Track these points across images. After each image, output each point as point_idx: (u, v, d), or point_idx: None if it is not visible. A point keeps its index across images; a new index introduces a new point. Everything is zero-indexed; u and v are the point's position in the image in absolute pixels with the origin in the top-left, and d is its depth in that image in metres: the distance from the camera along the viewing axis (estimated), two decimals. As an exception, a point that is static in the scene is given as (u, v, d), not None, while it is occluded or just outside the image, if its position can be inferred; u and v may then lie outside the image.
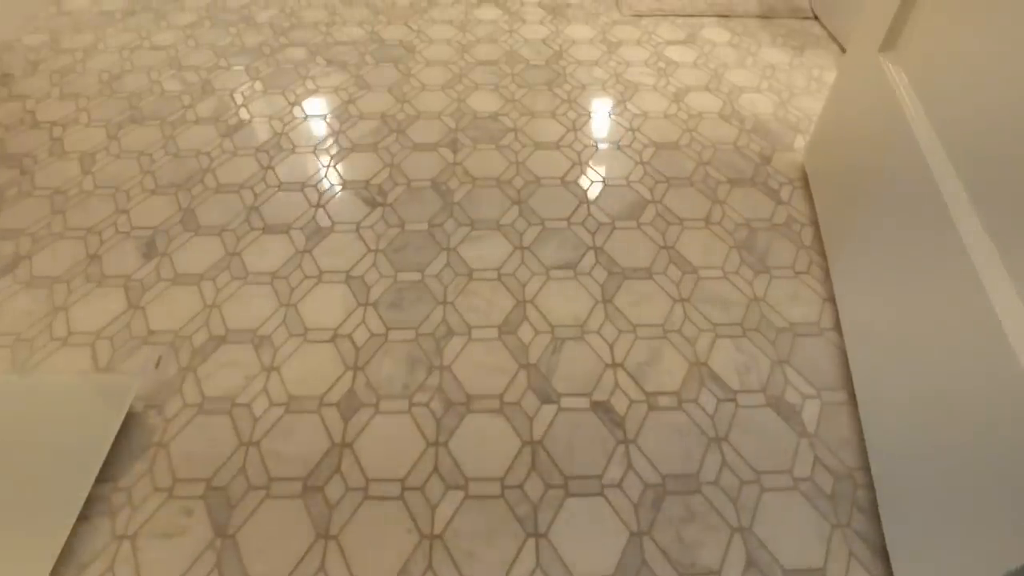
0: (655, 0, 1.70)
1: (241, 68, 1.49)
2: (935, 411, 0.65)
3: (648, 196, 1.14)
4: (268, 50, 1.56)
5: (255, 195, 1.15)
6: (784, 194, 1.15)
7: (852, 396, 0.86)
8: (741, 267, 1.02)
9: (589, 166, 1.20)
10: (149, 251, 1.06)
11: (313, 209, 1.12)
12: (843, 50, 1.58)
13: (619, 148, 1.24)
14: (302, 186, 1.17)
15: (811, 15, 1.71)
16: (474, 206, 1.12)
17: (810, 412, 0.84)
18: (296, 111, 1.35)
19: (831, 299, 0.98)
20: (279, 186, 1.17)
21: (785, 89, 1.43)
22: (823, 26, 1.68)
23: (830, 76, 1.47)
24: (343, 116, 1.33)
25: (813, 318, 0.95)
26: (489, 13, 1.70)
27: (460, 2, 1.75)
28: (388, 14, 1.70)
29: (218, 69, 1.49)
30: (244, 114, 1.35)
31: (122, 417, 0.81)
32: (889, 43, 0.93)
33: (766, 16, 1.71)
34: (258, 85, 1.43)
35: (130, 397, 0.83)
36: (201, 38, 1.61)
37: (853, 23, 1.54)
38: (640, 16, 1.69)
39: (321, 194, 1.15)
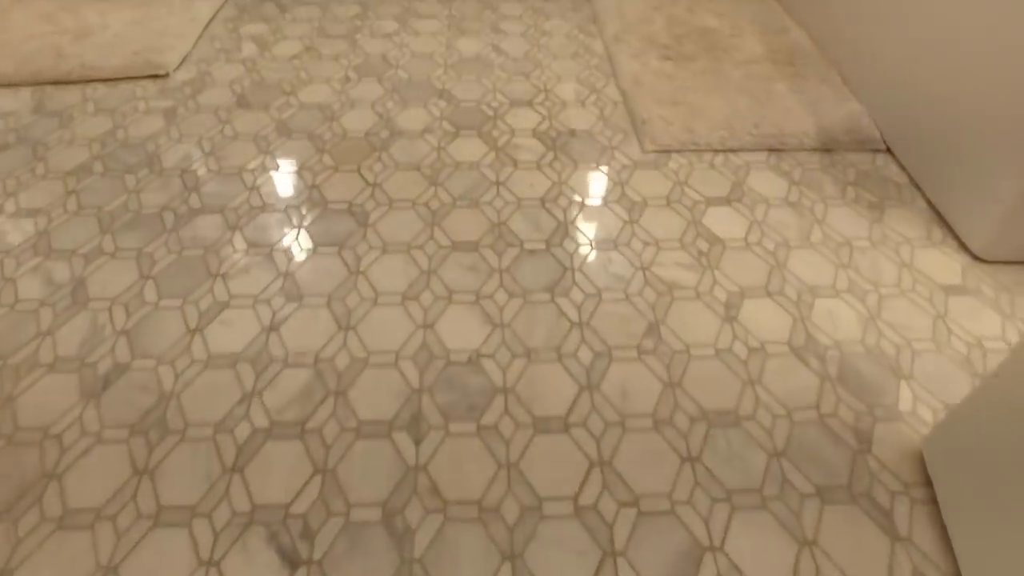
0: (685, 130, 1.31)
1: (131, 254, 1.09)
2: None
3: (704, 538, 0.76)
4: (171, 220, 1.16)
5: (117, 537, 0.76)
6: (899, 518, 0.78)
7: None
8: None
9: (614, 469, 0.82)
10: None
11: (203, 571, 0.74)
12: (932, 206, 1.20)
13: (656, 426, 0.87)
14: (191, 515, 0.78)
15: (883, 147, 1.33)
16: (445, 563, 0.74)
17: None
18: (196, 347, 0.96)
19: None
20: (155, 517, 0.78)
21: (871, 287, 1.05)
22: (900, 165, 1.30)
23: (924, 260, 1.10)
24: (261, 361, 0.94)
25: None
26: (469, 150, 1.30)
27: (432, 131, 1.35)
28: (335, 152, 1.30)
29: (100, 256, 1.09)
30: (122, 352, 0.95)
31: None
32: None
33: (827, 149, 1.33)
34: (149, 290, 1.04)
35: None
36: (86, 195, 1.21)
37: (939, 161, 1.16)
38: (667, 152, 1.30)
39: (217, 535, 0.77)
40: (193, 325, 0.99)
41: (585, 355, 0.95)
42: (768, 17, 1.70)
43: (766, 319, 1.00)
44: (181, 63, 1.56)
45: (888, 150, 1.33)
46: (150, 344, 0.96)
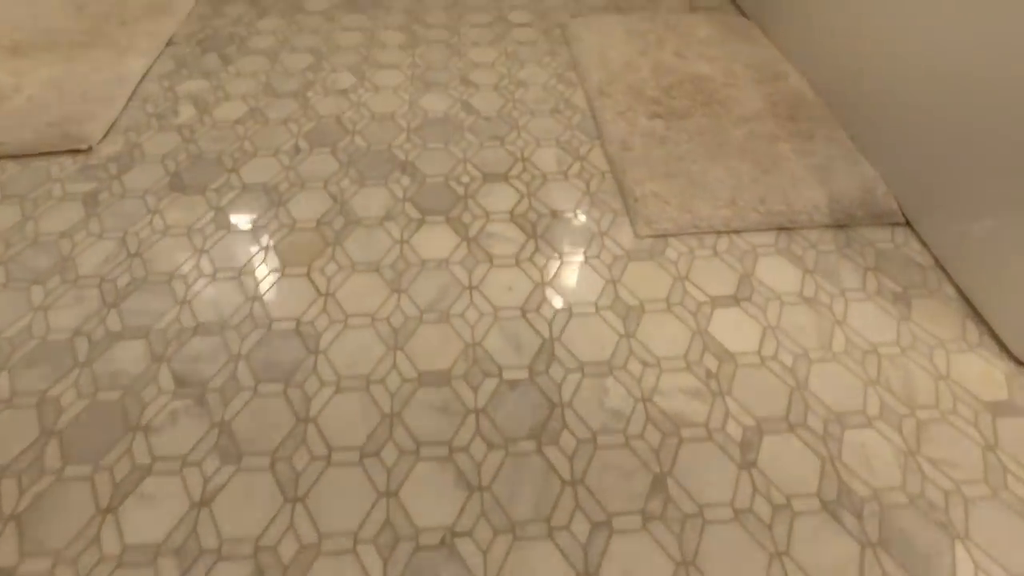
0: (683, 210, 1.16)
1: (31, 400, 0.91)
2: None
3: None
4: (85, 348, 0.97)
5: None
6: None
7: None
8: None
9: None
10: None
11: None
12: (962, 294, 1.06)
13: (670, 629, 0.71)
14: None
15: (901, 220, 1.19)
16: None
17: None
18: (107, 536, 0.78)
19: None
20: None
21: (906, 411, 0.91)
22: (922, 241, 1.16)
23: (962, 369, 0.96)
24: (189, 553, 0.77)
25: None
26: (436, 243, 1.13)
27: (393, 217, 1.18)
28: (282, 249, 1.12)
29: (-6, 404, 0.91)
30: (8, 549, 0.77)
31: None
32: None
33: (841, 225, 1.18)
34: (51, 453, 0.85)
35: None
36: (-18, 317, 1.02)
37: (966, 237, 1.03)
38: (664, 237, 1.15)
39: None
40: (105, 503, 0.81)
41: (580, 527, 0.79)
42: (763, 61, 1.55)
43: (790, 462, 0.85)
44: (106, 134, 1.37)
45: (908, 223, 1.19)
46: (47, 534, 0.78)
